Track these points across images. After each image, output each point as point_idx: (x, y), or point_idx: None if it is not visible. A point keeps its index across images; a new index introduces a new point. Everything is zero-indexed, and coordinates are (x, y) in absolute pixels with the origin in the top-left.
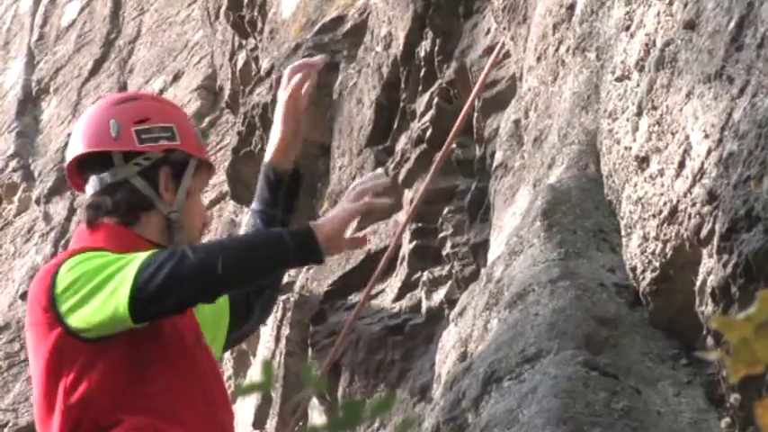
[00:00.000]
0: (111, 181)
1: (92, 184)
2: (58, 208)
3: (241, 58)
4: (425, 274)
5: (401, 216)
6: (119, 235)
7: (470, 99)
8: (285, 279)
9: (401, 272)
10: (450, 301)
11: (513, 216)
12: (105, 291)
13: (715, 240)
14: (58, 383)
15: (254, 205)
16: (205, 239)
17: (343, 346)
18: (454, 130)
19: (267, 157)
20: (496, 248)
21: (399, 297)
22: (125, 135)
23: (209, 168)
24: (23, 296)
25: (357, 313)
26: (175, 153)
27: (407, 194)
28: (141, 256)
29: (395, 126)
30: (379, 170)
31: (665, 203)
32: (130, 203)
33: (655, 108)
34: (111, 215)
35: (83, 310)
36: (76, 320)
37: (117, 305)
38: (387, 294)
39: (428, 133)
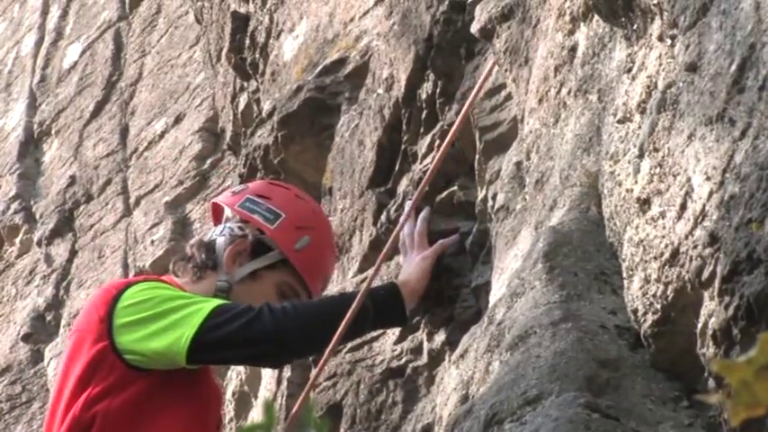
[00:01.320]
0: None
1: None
2: (60, 250)
3: (243, 100)
4: (426, 316)
5: (402, 258)
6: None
7: (465, 108)
8: None
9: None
10: (452, 343)
11: (514, 258)
12: (167, 320)
13: (716, 283)
14: (82, 392)
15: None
16: None
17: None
18: (449, 138)
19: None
20: (498, 290)
21: (401, 339)
22: (240, 199)
23: (298, 274)
24: (25, 338)
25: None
26: (264, 236)
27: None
28: (216, 301)
29: (396, 168)
30: (426, 210)
31: (666, 246)
32: (202, 259)
33: (656, 150)
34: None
35: (138, 331)
36: (127, 340)
37: (177, 339)
38: (388, 337)
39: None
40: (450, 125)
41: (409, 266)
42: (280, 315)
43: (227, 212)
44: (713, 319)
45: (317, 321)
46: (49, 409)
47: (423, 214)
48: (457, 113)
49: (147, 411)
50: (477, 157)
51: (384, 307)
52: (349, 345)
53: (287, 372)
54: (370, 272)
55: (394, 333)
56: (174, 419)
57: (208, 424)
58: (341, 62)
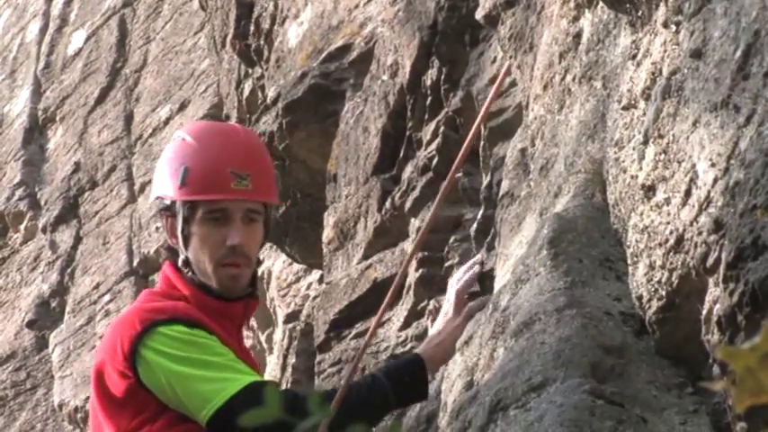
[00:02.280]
0: None
1: None
2: (65, 236)
3: (247, 86)
4: (431, 302)
5: (407, 245)
6: (181, 281)
7: (474, 127)
8: (291, 308)
9: (407, 301)
10: None
11: (519, 245)
12: (192, 388)
13: (721, 269)
14: (119, 419)
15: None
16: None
17: (354, 376)
18: (459, 158)
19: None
20: (503, 277)
21: (406, 326)
22: None
23: (207, 202)
24: (30, 324)
25: (366, 344)
26: (163, 200)
27: (414, 223)
28: (245, 382)
29: (401, 154)
30: (477, 258)
31: (671, 232)
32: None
33: (661, 137)
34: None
35: (163, 382)
36: (151, 382)
37: (197, 410)
38: (393, 323)
39: (434, 162)
40: (456, 112)
41: (444, 329)
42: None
43: None
44: (718, 306)
45: (342, 417)
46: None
47: (475, 269)
48: (462, 100)
49: (188, 429)
50: (481, 143)
51: (405, 392)
52: (354, 331)
53: (292, 358)
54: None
55: (398, 320)
56: None
57: None
58: (345, 49)
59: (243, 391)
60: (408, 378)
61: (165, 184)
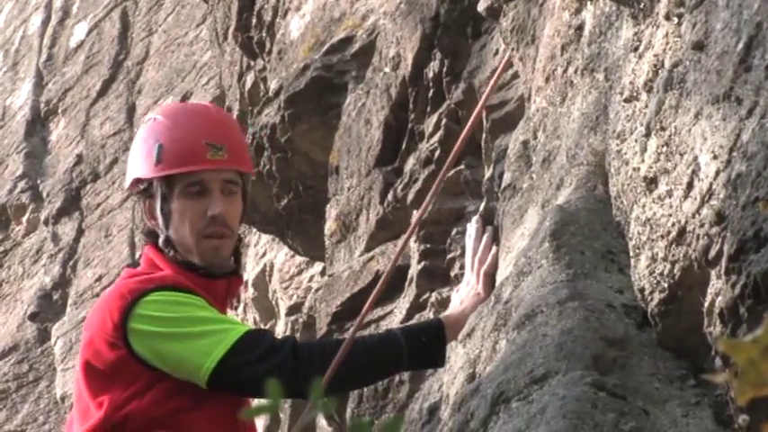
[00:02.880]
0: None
1: None
2: (67, 229)
3: (249, 78)
4: (434, 295)
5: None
6: (163, 261)
7: (474, 114)
8: (293, 301)
9: (410, 293)
10: None
11: (521, 237)
12: (189, 345)
13: (723, 261)
14: (107, 393)
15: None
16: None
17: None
18: (456, 147)
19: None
20: (505, 269)
21: (408, 318)
22: None
23: (186, 176)
24: (32, 317)
25: (353, 333)
26: (140, 181)
27: (415, 215)
28: (241, 331)
29: (403, 147)
30: (488, 233)
31: (673, 224)
32: (146, 233)
33: (663, 129)
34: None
35: (158, 346)
36: (145, 349)
37: (198, 367)
38: (395, 315)
39: (436, 154)
40: (458, 104)
41: (467, 297)
42: (304, 363)
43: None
44: (720, 298)
45: (345, 367)
46: (72, 408)
47: (488, 234)
48: (464, 93)
49: (179, 404)
50: (484, 135)
51: (420, 353)
52: (356, 323)
53: None
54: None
55: (401, 312)
56: (207, 409)
57: (239, 414)
58: (347, 41)
59: (240, 340)
60: (425, 339)
61: (139, 165)
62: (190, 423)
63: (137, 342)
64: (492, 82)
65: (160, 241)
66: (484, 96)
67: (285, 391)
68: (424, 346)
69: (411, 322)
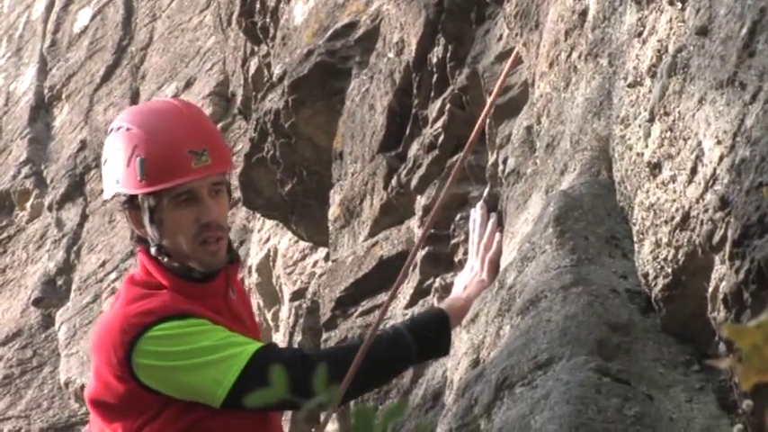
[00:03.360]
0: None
1: None
2: (71, 214)
3: (253, 64)
4: (438, 280)
5: (413, 222)
6: (158, 270)
7: (484, 112)
8: (297, 286)
9: (413, 278)
10: None
11: (525, 222)
12: (198, 377)
13: (727, 247)
14: (120, 421)
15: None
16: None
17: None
18: (470, 141)
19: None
20: (509, 255)
21: (412, 303)
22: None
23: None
24: (36, 302)
25: (379, 321)
26: (120, 193)
27: (420, 200)
28: (249, 353)
29: (407, 132)
30: (493, 219)
31: (677, 210)
32: (134, 242)
33: (667, 114)
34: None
35: (167, 380)
36: (154, 383)
37: (210, 395)
38: (399, 301)
39: (440, 139)
40: (462, 89)
41: (471, 283)
42: (314, 372)
43: None
44: (724, 283)
45: (358, 375)
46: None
47: (493, 221)
48: (468, 78)
49: (195, 416)
50: (487, 121)
51: (428, 347)
52: (360, 309)
53: (298, 336)
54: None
55: (404, 297)
56: (226, 416)
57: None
58: (351, 26)
59: (249, 364)
60: (432, 334)
61: (121, 179)
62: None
63: (144, 376)
64: (501, 79)
65: (152, 250)
66: (492, 96)
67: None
68: (431, 340)
69: (414, 309)
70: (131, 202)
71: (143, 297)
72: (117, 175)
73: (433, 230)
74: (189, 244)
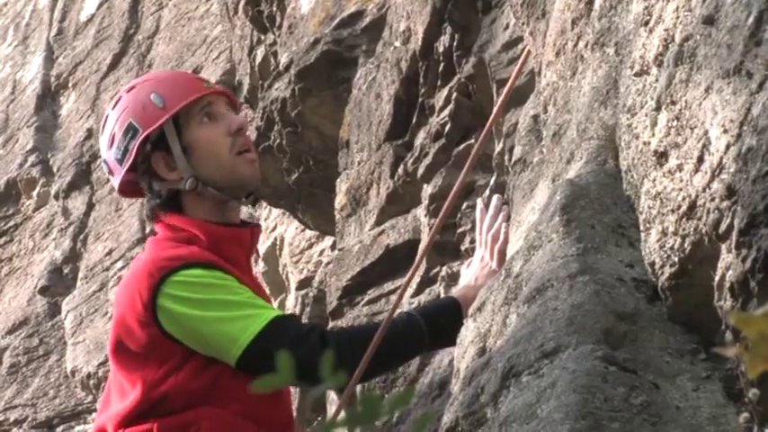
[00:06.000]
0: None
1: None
2: (77, 203)
3: (260, 53)
4: (444, 269)
5: (419, 211)
6: (186, 223)
7: (495, 111)
8: (303, 275)
9: (420, 267)
10: None
11: (531, 211)
12: (217, 330)
13: (734, 235)
14: (142, 371)
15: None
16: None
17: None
18: (483, 134)
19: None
20: (515, 243)
21: (418, 292)
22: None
23: (199, 100)
24: (42, 291)
25: (396, 305)
26: (139, 136)
27: (426, 189)
28: (269, 317)
29: (413, 121)
30: (496, 199)
31: (683, 198)
32: (158, 206)
33: (673, 103)
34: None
35: (187, 327)
36: (174, 329)
37: (225, 352)
38: (403, 289)
39: (447, 128)
40: (468, 78)
41: (481, 274)
42: (333, 351)
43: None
44: (730, 272)
45: (373, 356)
46: (107, 386)
47: (504, 213)
48: (474, 67)
49: (218, 371)
50: (494, 109)
51: (441, 335)
52: (366, 298)
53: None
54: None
55: (411, 286)
56: (247, 375)
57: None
58: (358, 15)
59: (268, 327)
60: (444, 320)
61: (140, 122)
62: (231, 390)
63: (166, 321)
64: (512, 79)
65: (188, 185)
66: (503, 96)
67: (311, 379)
68: (444, 328)
69: (420, 298)
70: (156, 148)
71: (172, 247)
72: (135, 122)
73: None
74: (227, 158)
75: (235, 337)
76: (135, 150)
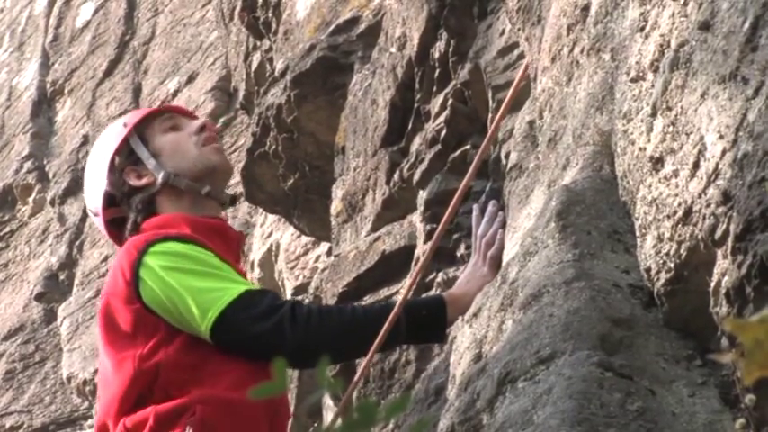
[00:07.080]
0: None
1: None
2: (73, 209)
3: (255, 59)
4: (440, 275)
5: (415, 217)
6: (169, 219)
7: (495, 122)
8: (299, 281)
9: (415, 273)
10: None
11: (527, 217)
12: (190, 299)
13: (729, 241)
14: (133, 350)
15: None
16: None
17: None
18: (485, 143)
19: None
20: (511, 249)
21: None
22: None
23: (158, 115)
24: (38, 297)
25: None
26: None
27: (422, 195)
28: (242, 289)
29: (409, 127)
30: (492, 205)
31: (679, 204)
32: (138, 216)
33: (669, 109)
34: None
35: (165, 296)
36: (152, 300)
37: (199, 321)
38: (401, 295)
39: (443, 134)
40: (464, 84)
41: (473, 278)
42: (301, 325)
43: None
44: (726, 278)
45: (342, 335)
46: (100, 374)
47: (499, 220)
48: (470, 73)
49: (210, 347)
50: (489, 115)
51: (420, 327)
52: (362, 303)
53: None
54: (408, 284)
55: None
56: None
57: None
58: (354, 21)
59: (239, 299)
60: (425, 312)
61: (110, 146)
62: (223, 365)
63: (146, 294)
64: (511, 91)
65: (161, 178)
66: (503, 107)
67: (279, 352)
68: (424, 319)
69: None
70: (128, 159)
71: (153, 234)
72: (106, 148)
73: (434, 225)
74: (194, 151)
75: (208, 306)
76: (107, 171)
